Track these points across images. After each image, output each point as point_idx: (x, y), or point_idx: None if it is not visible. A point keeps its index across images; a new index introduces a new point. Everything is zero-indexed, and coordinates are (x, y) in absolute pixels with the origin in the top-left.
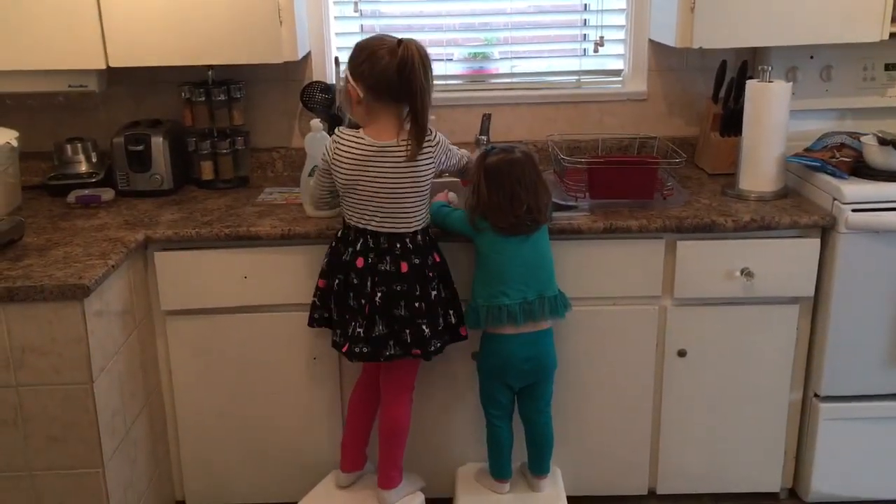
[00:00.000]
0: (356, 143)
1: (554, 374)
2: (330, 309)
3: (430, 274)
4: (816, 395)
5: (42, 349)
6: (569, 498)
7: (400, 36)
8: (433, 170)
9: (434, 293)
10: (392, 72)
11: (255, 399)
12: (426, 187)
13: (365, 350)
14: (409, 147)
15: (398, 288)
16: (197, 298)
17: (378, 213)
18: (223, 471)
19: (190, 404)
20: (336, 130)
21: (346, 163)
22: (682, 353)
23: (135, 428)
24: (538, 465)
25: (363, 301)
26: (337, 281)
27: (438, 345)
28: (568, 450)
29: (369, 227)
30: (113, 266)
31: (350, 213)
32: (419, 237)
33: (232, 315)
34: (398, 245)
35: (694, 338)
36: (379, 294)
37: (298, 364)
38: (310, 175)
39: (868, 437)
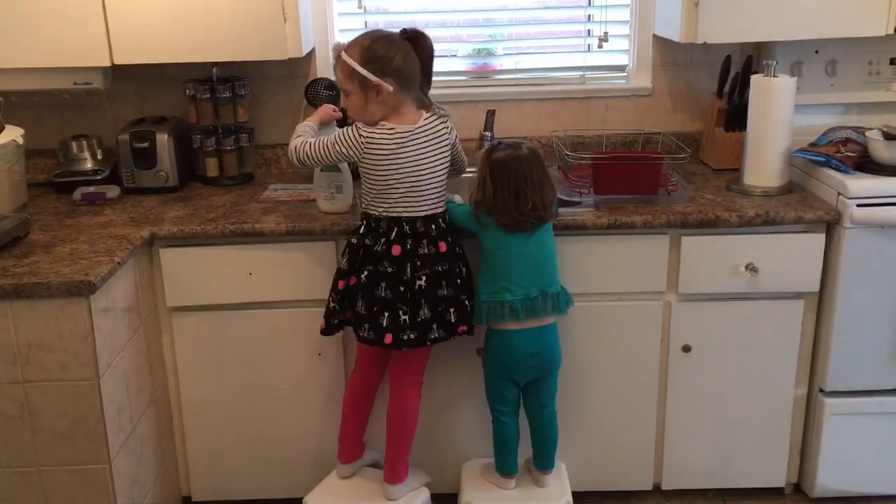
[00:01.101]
0: (387, 134)
1: (558, 370)
2: (344, 308)
3: (460, 251)
4: (821, 391)
5: (49, 346)
6: (574, 493)
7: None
8: (449, 146)
9: (465, 269)
10: (420, 63)
11: (261, 395)
12: (447, 164)
13: (412, 336)
14: (430, 120)
15: (440, 268)
16: (202, 295)
17: (416, 197)
18: (229, 466)
19: (196, 400)
20: (357, 127)
21: (382, 156)
22: (686, 349)
23: (141, 424)
24: (543, 461)
25: (402, 289)
26: (365, 273)
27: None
28: (573, 445)
29: (405, 215)
30: (119, 263)
31: (384, 204)
32: (447, 217)
33: (237, 311)
34: (433, 227)
35: (699, 333)
36: (424, 277)
37: (304, 360)
38: (322, 170)
39: (873, 433)
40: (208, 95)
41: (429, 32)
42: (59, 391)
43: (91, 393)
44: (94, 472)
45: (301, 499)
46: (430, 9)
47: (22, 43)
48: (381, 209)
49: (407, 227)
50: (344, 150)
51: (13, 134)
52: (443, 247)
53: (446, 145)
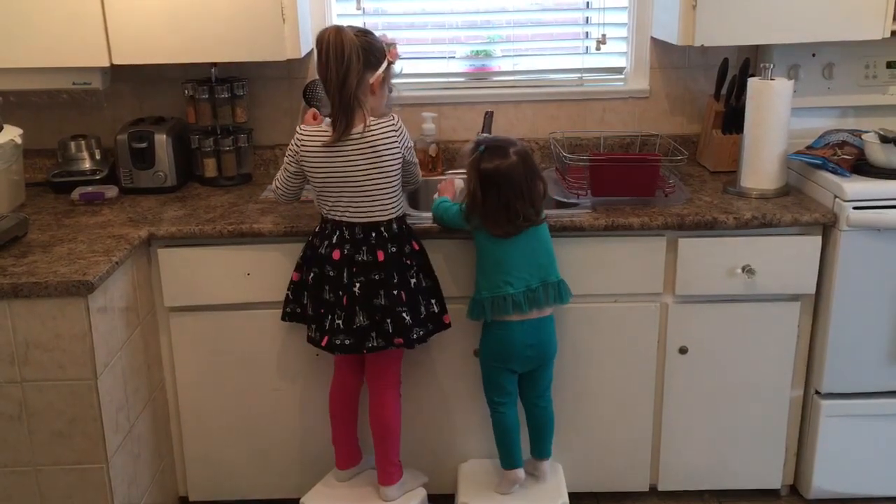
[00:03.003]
0: (318, 135)
1: (554, 360)
2: (303, 304)
3: (409, 262)
4: (818, 392)
5: (46, 345)
6: (570, 494)
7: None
8: (398, 157)
9: (413, 281)
10: (320, 56)
11: (258, 395)
12: (393, 174)
13: (347, 342)
14: (370, 127)
15: (376, 277)
16: (200, 295)
17: (351, 204)
18: (226, 466)
19: (193, 400)
20: (297, 128)
21: (312, 156)
22: (683, 351)
23: (138, 424)
24: (540, 449)
25: (341, 293)
26: (312, 274)
27: (421, 333)
28: (570, 446)
29: (344, 219)
30: (117, 263)
31: (325, 206)
32: (394, 226)
33: (234, 312)
34: (373, 234)
35: (695, 335)
36: (358, 285)
37: (300, 360)
38: None
39: (869, 434)
40: (207, 96)
41: (427, 34)
42: (57, 390)
43: (88, 392)
44: (92, 472)
45: (298, 499)
46: (428, 10)
47: (20, 43)
48: (324, 210)
49: (346, 232)
50: (291, 159)
51: (12, 134)
52: (381, 256)
53: (389, 156)
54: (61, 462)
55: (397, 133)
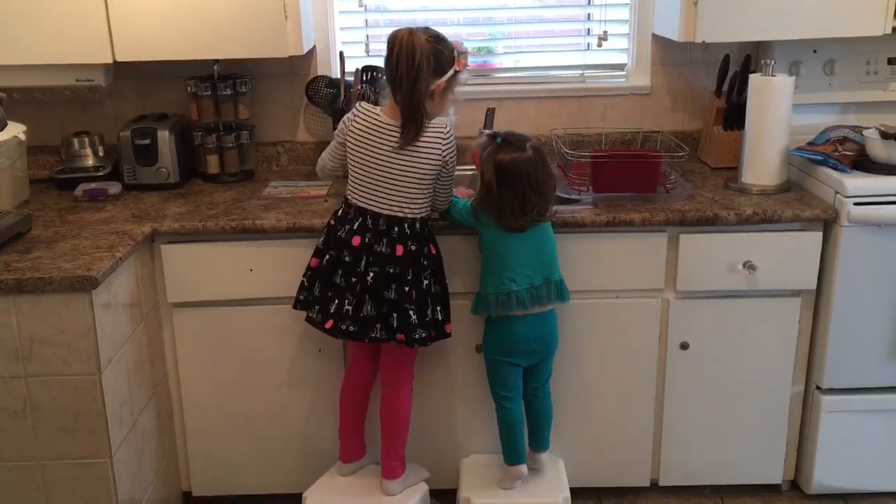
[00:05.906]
0: (370, 114)
1: (555, 352)
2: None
3: (425, 263)
4: (818, 388)
5: (51, 340)
6: (571, 489)
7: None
8: (437, 163)
9: (426, 283)
10: (391, 57)
11: (261, 391)
12: (427, 177)
13: (352, 329)
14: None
15: (391, 270)
16: (203, 291)
17: (379, 193)
18: (229, 461)
19: (196, 396)
20: (358, 103)
21: (357, 134)
22: (684, 346)
23: (142, 419)
24: (538, 441)
25: (354, 280)
26: (328, 257)
27: (423, 335)
28: (571, 441)
29: (370, 207)
30: (120, 258)
31: (354, 190)
32: (418, 225)
33: (238, 308)
34: (396, 229)
35: (696, 331)
36: (372, 274)
37: (303, 356)
38: None
39: (869, 430)
40: (209, 93)
41: None
42: (61, 386)
43: (92, 388)
44: (96, 467)
45: (300, 494)
46: (430, 7)
47: (24, 40)
48: (351, 194)
49: (370, 221)
50: (340, 131)
51: (15, 130)
52: (399, 250)
53: (428, 160)
54: (65, 457)
55: (444, 141)
